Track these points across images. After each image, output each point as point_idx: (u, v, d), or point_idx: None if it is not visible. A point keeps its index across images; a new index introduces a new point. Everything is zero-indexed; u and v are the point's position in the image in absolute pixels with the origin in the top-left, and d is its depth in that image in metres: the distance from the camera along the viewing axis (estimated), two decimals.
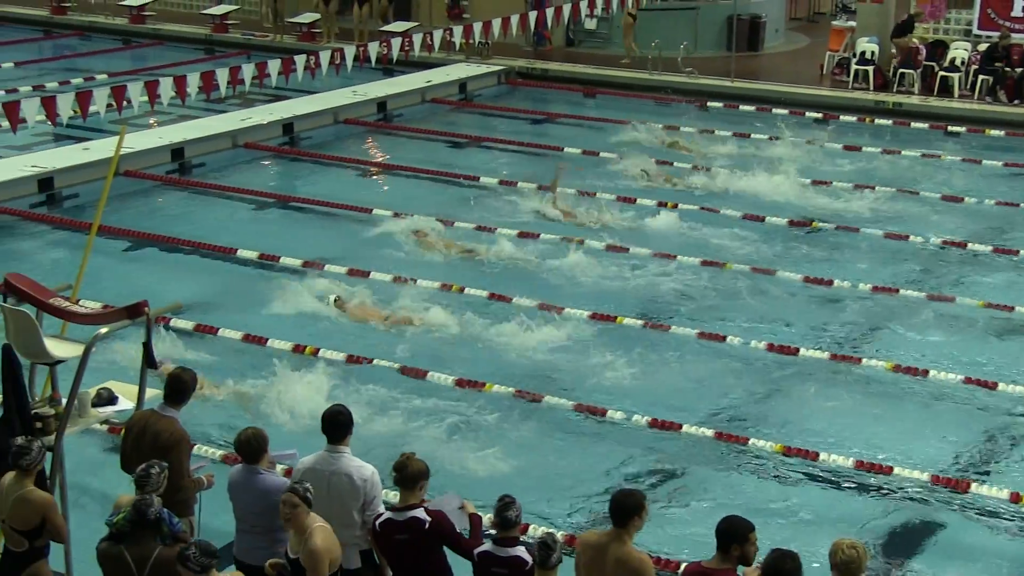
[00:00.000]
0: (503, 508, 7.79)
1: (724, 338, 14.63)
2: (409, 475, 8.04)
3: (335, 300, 15.40)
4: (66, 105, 20.40)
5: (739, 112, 26.26)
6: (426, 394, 13.05)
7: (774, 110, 26.11)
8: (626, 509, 7.62)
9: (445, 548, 8.12)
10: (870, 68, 27.11)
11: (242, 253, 17.33)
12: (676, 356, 14.35)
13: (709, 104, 26.66)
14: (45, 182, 20.20)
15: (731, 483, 11.71)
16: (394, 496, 8.54)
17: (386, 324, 15.02)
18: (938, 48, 27.26)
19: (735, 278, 16.69)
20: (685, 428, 12.49)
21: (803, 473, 11.85)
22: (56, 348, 9.16)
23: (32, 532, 8.44)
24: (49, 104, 20.19)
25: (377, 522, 8.06)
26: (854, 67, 27.37)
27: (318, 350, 14.05)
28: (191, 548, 7.30)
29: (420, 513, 7.96)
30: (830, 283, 16.49)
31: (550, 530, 10.19)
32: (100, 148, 20.83)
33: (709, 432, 12.41)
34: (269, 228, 18.69)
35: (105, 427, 11.11)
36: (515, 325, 14.65)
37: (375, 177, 21.79)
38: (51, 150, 21.97)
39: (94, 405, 9.41)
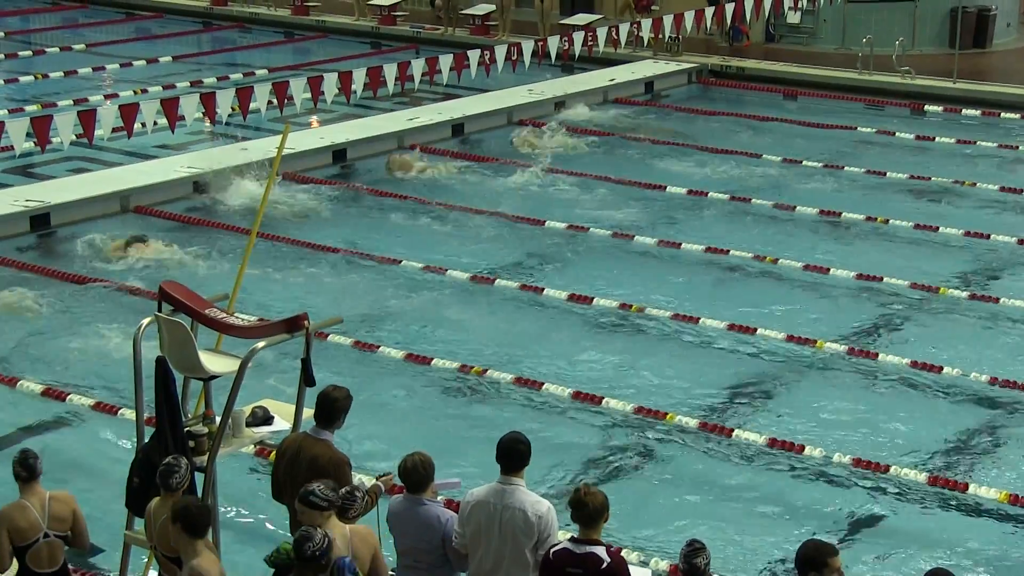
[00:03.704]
0: (692, 554, 7.64)
1: (941, 369, 14.35)
2: (595, 511, 7.92)
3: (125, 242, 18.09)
4: (226, 102, 20.96)
5: (961, 117, 25.66)
6: None
7: (1003, 115, 25.44)
8: (798, 558, 7.49)
9: None
10: None
11: (406, 264, 17.60)
12: (883, 385, 14.24)
13: (927, 108, 26.08)
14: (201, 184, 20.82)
15: (943, 536, 11.48)
16: None
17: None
18: None
19: (955, 303, 16.50)
20: (893, 470, 12.25)
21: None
22: (211, 362, 9.31)
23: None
24: (208, 101, 20.79)
25: (552, 550, 8.02)
26: None
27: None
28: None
29: (600, 551, 7.89)
30: None
31: None
32: (258, 149, 21.37)
33: (921, 477, 12.18)
34: (431, 237, 18.93)
35: (253, 448, 11.34)
36: None
37: (550, 183, 21.79)
38: (207, 150, 22.60)
39: (249, 425, 9.52)
